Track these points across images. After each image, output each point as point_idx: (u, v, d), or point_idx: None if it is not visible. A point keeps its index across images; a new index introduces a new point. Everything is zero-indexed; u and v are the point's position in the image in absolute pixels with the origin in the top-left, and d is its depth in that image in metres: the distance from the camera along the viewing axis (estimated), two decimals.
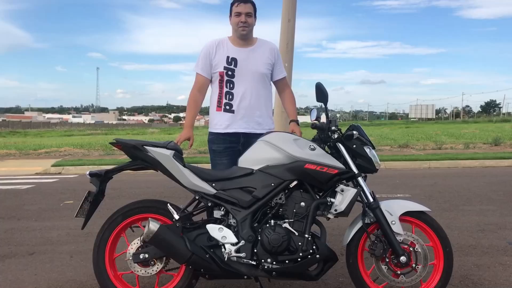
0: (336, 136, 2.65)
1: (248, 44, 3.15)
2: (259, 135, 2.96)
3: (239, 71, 3.09)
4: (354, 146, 2.61)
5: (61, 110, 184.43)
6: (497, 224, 4.65)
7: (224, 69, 3.09)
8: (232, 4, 3.11)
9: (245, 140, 3.09)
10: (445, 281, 2.64)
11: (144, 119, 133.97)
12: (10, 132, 35.48)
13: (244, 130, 3.10)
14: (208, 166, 3.24)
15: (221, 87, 3.13)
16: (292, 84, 7.09)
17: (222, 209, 2.60)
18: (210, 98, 3.23)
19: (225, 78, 3.10)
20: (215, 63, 3.11)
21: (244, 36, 3.10)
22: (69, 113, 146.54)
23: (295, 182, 2.57)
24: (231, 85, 3.10)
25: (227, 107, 3.11)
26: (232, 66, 3.09)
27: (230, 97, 3.11)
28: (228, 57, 3.09)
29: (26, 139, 24.47)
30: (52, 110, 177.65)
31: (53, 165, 10.48)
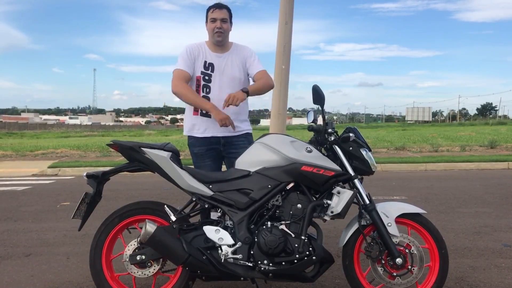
0: (332, 138, 2.66)
1: (224, 49, 3.20)
2: (239, 135, 3.13)
3: (215, 76, 3.13)
4: (351, 148, 2.63)
5: (58, 112, 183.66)
6: (493, 227, 4.68)
7: (201, 73, 3.13)
8: (208, 10, 3.16)
9: (226, 141, 3.15)
10: (440, 283, 2.65)
11: (141, 120, 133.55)
12: (7, 134, 35.34)
13: (222, 134, 3.14)
14: None
15: (197, 92, 3.14)
16: (289, 86, 7.11)
17: (219, 210, 2.61)
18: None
19: (202, 82, 3.14)
20: (195, 67, 3.13)
21: (219, 42, 3.15)
22: (65, 115, 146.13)
23: (291, 184, 2.58)
24: (208, 90, 3.13)
25: (204, 112, 3.12)
26: (209, 71, 3.14)
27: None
28: (205, 62, 3.15)
29: (23, 140, 24.39)
30: (48, 112, 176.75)
31: (49, 167, 10.45)
